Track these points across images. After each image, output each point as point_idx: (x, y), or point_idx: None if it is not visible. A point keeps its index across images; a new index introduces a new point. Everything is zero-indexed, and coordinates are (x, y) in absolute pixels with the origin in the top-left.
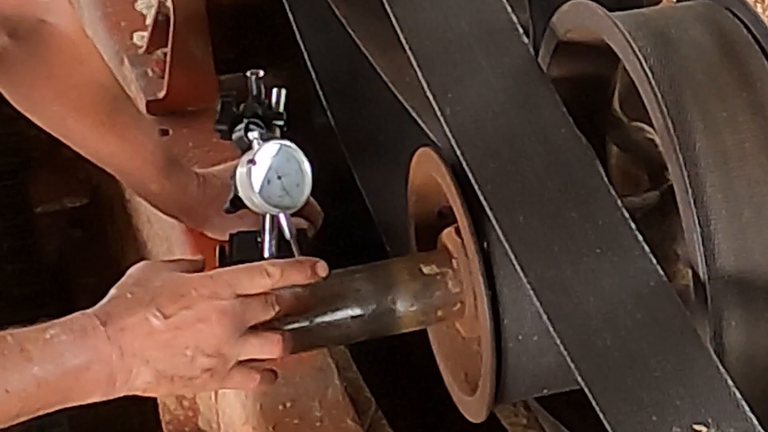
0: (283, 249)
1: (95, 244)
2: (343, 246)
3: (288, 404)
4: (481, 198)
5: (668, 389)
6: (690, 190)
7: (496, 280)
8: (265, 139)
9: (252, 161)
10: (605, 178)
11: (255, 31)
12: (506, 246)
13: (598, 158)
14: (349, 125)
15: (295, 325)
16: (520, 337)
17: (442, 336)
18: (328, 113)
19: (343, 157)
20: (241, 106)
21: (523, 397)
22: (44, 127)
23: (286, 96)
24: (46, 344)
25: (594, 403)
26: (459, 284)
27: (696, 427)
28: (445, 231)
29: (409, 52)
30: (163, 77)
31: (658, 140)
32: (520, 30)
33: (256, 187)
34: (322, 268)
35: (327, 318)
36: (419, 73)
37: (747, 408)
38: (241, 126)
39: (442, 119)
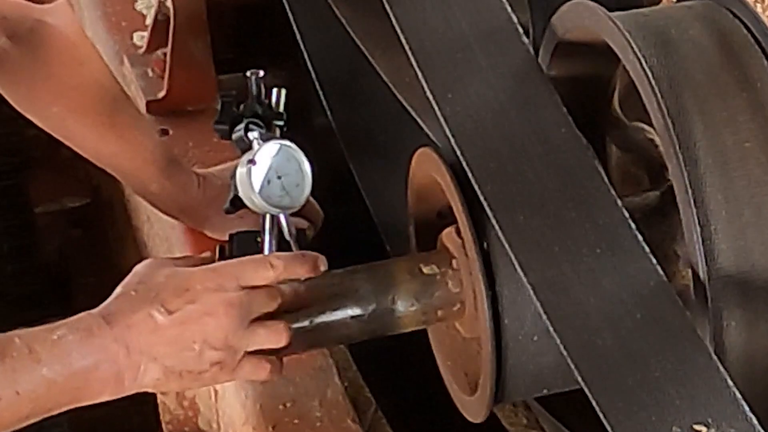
0: (283, 249)
1: (95, 244)
2: (343, 246)
3: (288, 404)
4: (481, 198)
5: (668, 389)
6: (690, 190)
7: (496, 280)
8: (265, 139)
9: (252, 161)
10: (605, 178)
11: (255, 31)
12: (506, 246)
13: (598, 158)
14: (349, 125)
15: (295, 325)
16: (520, 337)
17: (442, 336)
18: (328, 113)
19: (343, 157)
20: (241, 106)
21: (523, 397)
22: (44, 128)
23: (286, 96)
24: (54, 345)
25: (594, 403)
26: (459, 284)
27: (696, 427)
28: (445, 231)
29: (409, 52)
30: (163, 77)
31: (658, 140)
32: (520, 30)
33: (256, 187)
34: (323, 263)
35: (327, 318)
36: (419, 73)
37: (747, 408)
38: (241, 126)
39: (442, 119)
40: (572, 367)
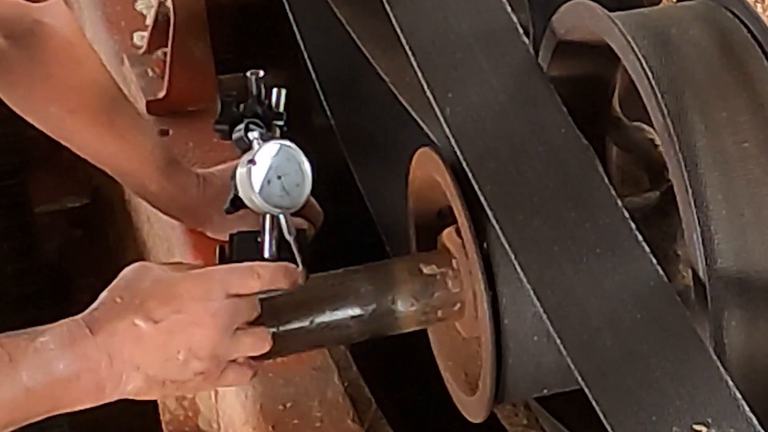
0: (283, 249)
1: (95, 244)
2: (343, 246)
3: (288, 404)
4: (481, 198)
5: (668, 389)
6: (690, 190)
7: (496, 280)
8: (265, 139)
9: (252, 161)
10: (605, 178)
11: (255, 31)
12: (506, 246)
13: (598, 158)
14: (349, 125)
15: (296, 325)
16: (520, 337)
17: (442, 336)
18: (328, 113)
19: (343, 157)
20: (241, 106)
21: (523, 397)
22: (43, 129)
23: (286, 96)
24: (35, 353)
25: (594, 403)
26: (459, 284)
27: (696, 427)
28: (445, 231)
29: (409, 53)
30: (163, 77)
31: (658, 140)
32: (520, 30)
33: (256, 187)
34: (303, 277)
35: (327, 318)
36: (419, 73)
37: (747, 408)
38: (241, 126)
39: (442, 119)
40: (572, 367)
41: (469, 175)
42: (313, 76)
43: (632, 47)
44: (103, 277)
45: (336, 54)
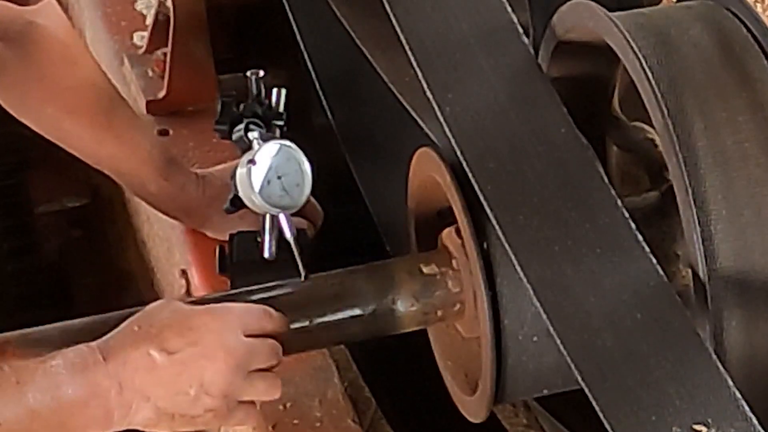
0: (283, 249)
1: (95, 244)
2: (343, 246)
3: (288, 404)
4: (481, 198)
5: (668, 389)
6: (690, 190)
7: (496, 280)
8: (265, 139)
9: (252, 161)
10: (605, 178)
11: (255, 31)
12: (506, 246)
13: (598, 158)
14: (349, 125)
15: (296, 325)
16: (520, 337)
17: (442, 336)
18: (328, 113)
19: (343, 157)
20: (241, 106)
21: (523, 397)
22: (39, 131)
23: (286, 96)
24: (44, 376)
25: (594, 403)
26: (459, 284)
27: (696, 427)
28: (445, 231)
29: (409, 53)
30: (163, 77)
31: (658, 140)
32: (520, 30)
33: (256, 187)
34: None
35: (327, 318)
36: (419, 74)
37: (747, 408)
38: (241, 126)
39: (442, 119)
40: (572, 367)
41: (469, 175)
42: (313, 76)
43: (632, 47)
44: (103, 277)
45: (336, 54)
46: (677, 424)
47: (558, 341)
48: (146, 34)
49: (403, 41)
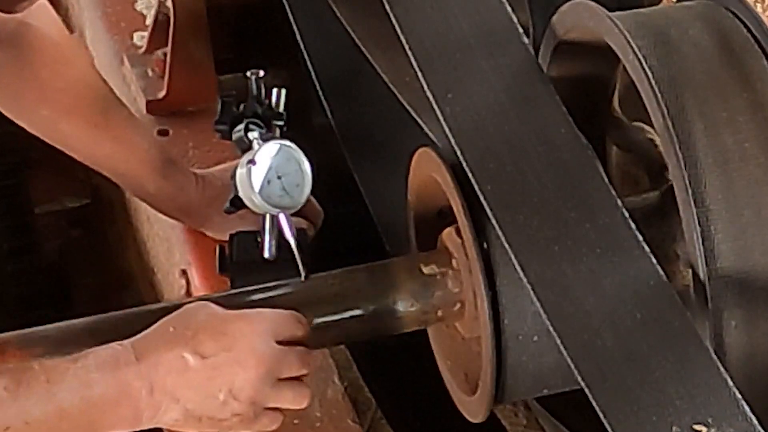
0: (283, 249)
1: (95, 244)
2: (343, 246)
3: None
4: (481, 198)
5: (668, 389)
6: (690, 190)
7: (496, 280)
8: (265, 139)
9: (252, 161)
10: (605, 178)
11: (255, 31)
12: (506, 246)
13: (598, 158)
14: (349, 125)
15: None
16: (520, 337)
17: (442, 336)
18: (328, 113)
19: (343, 157)
20: (241, 106)
21: (523, 397)
22: (35, 133)
23: (286, 96)
24: (74, 375)
25: (594, 403)
26: (459, 284)
27: (696, 427)
28: (445, 231)
29: (409, 53)
30: (163, 77)
31: (658, 140)
32: (520, 30)
33: (256, 187)
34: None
35: (327, 318)
36: (419, 74)
37: (747, 408)
38: (241, 126)
39: (442, 119)
40: (572, 367)
41: (469, 175)
42: (313, 76)
43: (632, 47)
44: (102, 277)
45: (336, 54)
46: (677, 424)
47: (558, 341)
48: (146, 34)
49: (403, 41)
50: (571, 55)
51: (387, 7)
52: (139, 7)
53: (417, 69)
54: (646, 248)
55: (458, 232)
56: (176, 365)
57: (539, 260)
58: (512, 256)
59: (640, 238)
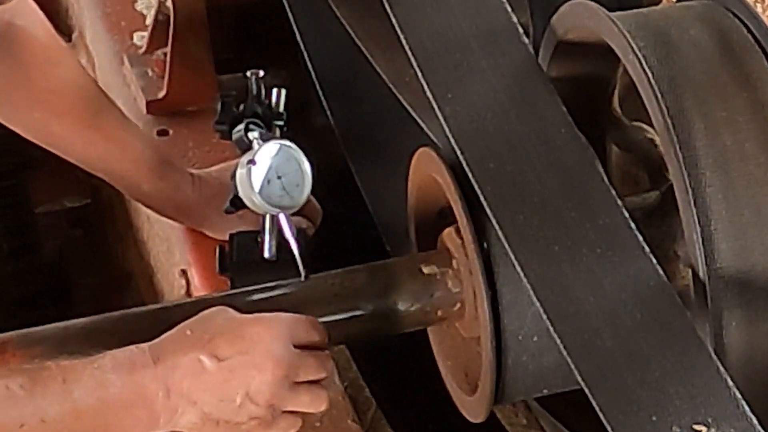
0: (283, 249)
1: (95, 244)
2: (343, 246)
3: None
4: (481, 198)
5: (668, 389)
6: (690, 190)
7: (496, 280)
8: (265, 139)
9: (252, 161)
10: (605, 178)
11: (255, 31)
12: (506, 246)
13: (598, 158)
14: (349, 125)
15: None
16: (520, 337)
17: (442, 336)
18: (328, 113)
19: (343, 157)
20: (241, 106)
21: (523, 397)
22: (27, 136)
23: (286, 96)
24: (91, 376)
25: (594, 403)
26: (459, 284)
27: (696, 427)
28: (446, 231)
29: (409, 53)
30: (163, 77)
31: (658, 140)
32: (520, 30)
33: (256, 187)
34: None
35: (327, 318)
36: (419, 74)
37: (747, 408)
38: (241, 126)
39: (442, 119)
40: (572, 367)
41: (469, 175)
42: (313, 76)
43: (632, 47)
44: (103, 277)
45: (336, 54)
46: (677, 424)
47: (558, 341)
48: (146, 34)
49: (403, 41)
50: (571, 55)
51: (387, 7)
52: (139, 7)
53: (417, 69)
54: (646, 248)
55: (458, 232)
56: (193, 368)
57: (539, 260)
58: (512, 256)
59: (640, 238)
